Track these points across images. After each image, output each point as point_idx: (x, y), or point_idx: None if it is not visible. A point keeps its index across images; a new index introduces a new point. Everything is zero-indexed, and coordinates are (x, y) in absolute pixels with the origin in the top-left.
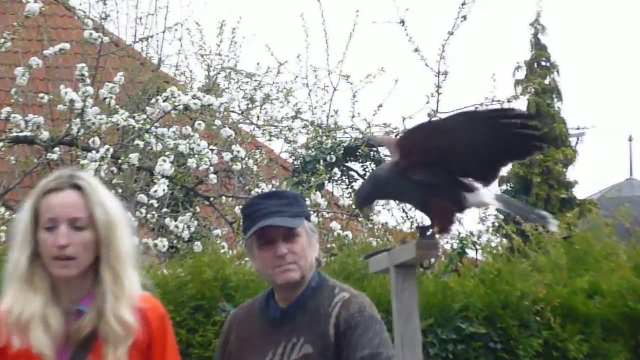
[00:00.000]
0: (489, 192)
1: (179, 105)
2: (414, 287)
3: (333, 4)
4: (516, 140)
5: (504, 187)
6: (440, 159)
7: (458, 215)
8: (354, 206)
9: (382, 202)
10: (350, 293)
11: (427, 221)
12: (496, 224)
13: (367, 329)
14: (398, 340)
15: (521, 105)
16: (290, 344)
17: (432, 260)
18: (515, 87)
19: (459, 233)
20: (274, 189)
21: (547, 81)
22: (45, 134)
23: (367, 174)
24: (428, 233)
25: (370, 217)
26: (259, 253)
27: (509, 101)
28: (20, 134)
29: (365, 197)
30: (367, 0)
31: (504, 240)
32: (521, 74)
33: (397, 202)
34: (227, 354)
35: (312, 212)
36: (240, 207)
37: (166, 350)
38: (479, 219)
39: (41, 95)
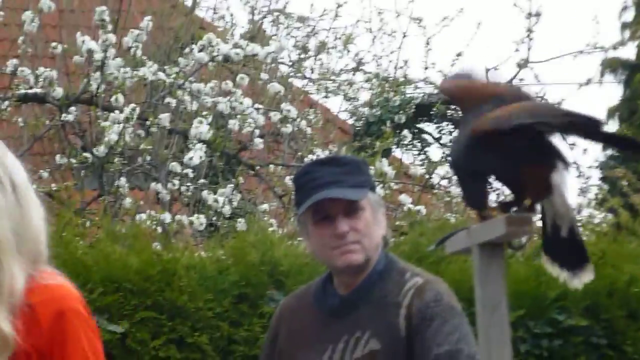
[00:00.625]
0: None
1: (218, 55)
2: (502, 271)
3: None
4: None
5: (608, 152)
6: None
7: (554, 184)
8: (427, 176)
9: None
10: (424, 278)
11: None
12: (600, 196)
13: (444, 322)
14: (483, 335)
15: (629, 52)
16: (353, 338)
17: (524, 239)
18: (621, 31)
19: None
20: (331, 155)
21: None
22: (59, 91)
23: (443, 137)
24: (515, 208)
25: (489, 211)
26: (315, 231)
27: (614, 48)
28: (29, 91)
29: (477, 197)
30: None
31: (609, 216)
32: (629, 16)
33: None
34: (277, 351)
35: (377, 183)
36: (292, 177)
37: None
38: (579, 190)
39: (54, 44)
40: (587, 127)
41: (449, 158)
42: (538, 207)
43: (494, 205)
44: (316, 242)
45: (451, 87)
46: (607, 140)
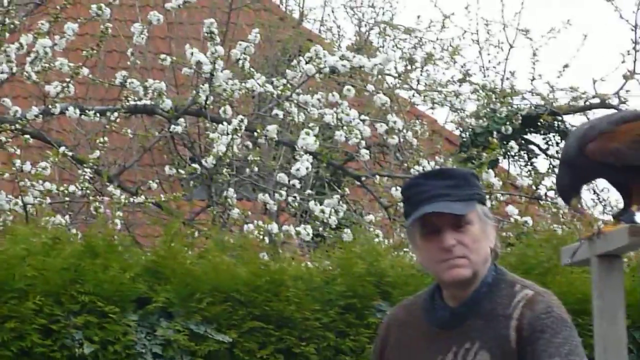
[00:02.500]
0: None
1: (325, 67)
2: (620, 281)
3: None
4: None
5: None
6: None
7: None
8: (534, 187)
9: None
10: (534, 290)
11: (621, 204)
12: None
13: (555, 334)
14: (600, 344)
15: None
16: (462, 349)
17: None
18: None
19: None
20: (439, 167)
21: None
22: (168, 103)
23: (550, 148)
24: (628, 214)
25: (579, 208)
26: (423, 244)
27: None
28: (138, 103)
29: (569, 186)
30: None
31: None
32: None
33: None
34: None
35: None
36: (398, 188)
37: None
38: None
39: (163, 57)
40: None
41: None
42: None
43: (611, 219)
44: (424, 254)
45: None
46: None
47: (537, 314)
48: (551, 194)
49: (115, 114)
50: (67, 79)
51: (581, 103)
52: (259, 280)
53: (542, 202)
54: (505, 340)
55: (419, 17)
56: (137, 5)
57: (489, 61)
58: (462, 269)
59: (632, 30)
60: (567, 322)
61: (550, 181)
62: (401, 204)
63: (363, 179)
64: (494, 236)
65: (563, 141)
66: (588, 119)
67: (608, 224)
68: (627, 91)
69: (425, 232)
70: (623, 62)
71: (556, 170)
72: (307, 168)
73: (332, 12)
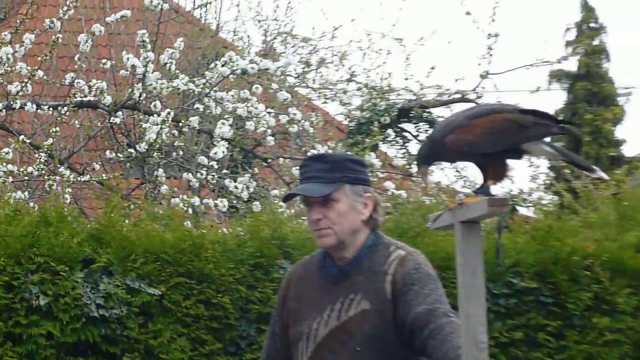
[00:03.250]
0: (546, 145)
1: (237, 69)
2: (479, 242)
3: None
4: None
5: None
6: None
7: (511, 170)
8: (407, 166)
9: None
10: (406, 251)
11: (479, 180)
12: (547, 181)
13: (423, 286)
14: (462, 293)
15: (571, 65)
16: (347, 300)
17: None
18: (565, 48)
19: (511, 190)
20: (323, 152)
21: (595, 42)
22: (108, 99)
23: (420, 135)
24: (488, 190)
25: (426, 177)
26: (305, 214)
27: (559, 62)
28: (84, 99)
29: (424, 157)
30: None
31: (555, 198)
32: (571, 35)
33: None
34: (286, 309)
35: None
36: (298, 168)
37: None
38: (530, 176)
39: (104, 61)
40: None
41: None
42: (497, 187)
43: (468, 192)
44: (308, 222)
45: None
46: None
47: (408, 270)
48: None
49: (65, 108)
50: (26, 80)
51: (445, 98)
52: (183, 244)
53: (413, 179)
54: (382, 291)
55: (313, 28)
56: (83, 19)
57: (371, 64)
58: (326, 238)
59: (487, 38)
60: (432, 277)
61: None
62: None
63: (269, 160)
64: (368, 209)
65: (431, 129)
66: (451, 111)
67: (469, 197)
68: (482, 88)
69: (304, 206)
70: (479, 64)
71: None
72: (223, 152)
73: (243, 24)
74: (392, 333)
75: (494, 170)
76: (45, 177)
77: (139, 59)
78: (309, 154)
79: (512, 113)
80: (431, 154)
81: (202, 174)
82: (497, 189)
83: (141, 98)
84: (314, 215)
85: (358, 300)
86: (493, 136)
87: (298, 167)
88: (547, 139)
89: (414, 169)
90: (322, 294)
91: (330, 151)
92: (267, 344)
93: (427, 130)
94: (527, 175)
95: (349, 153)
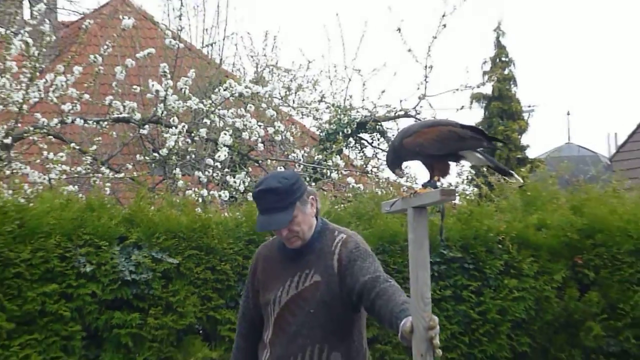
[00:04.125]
0: (478, 154)
1: (235, 93)
2: (426, 223)
3: (349, 14)
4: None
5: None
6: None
7: (452, 169)
8: (364, 165)
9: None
10: (347, 234)
11: (426, 175)
12: (469, 177)
13: (364, 260)
14: (412, 262)
15: (488, 89)
16: (303, 274)
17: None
18: (482, 76)
19: (442, 184)
20: (269, 186)
21: (506, 72)
22: (138, 115)
23: (374, 142)
24: (436, 184)
25: (402, 176)
26: (274, 232)
27: (478, 87)
28: (119, 115)
29: (391, 163)
30: (378, 9)
31: (475, 189)
32: (487, 67)
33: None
34: (256, 280)
35: (333, 171)
36: (282, 167)
37: None
38: (456, 173)
39: (134, 87)
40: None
41: (391, 151)
42: (442, 181)
43: (419, 185)
44: (277, 235)
45: None
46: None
47: (350, 249)
48: (374, 170)
49: (105, 122)
50: (75, 101)
51: (392, 114)
52: (195, 225)
53: (369, 175)
54: (330, 267)
55: (293, 62)
56: (119, 55)
57: (336, 89)
58: (295, 242)
59: (424, 69)
60: (369, 253)
61: (373, 162)
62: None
63: (260, 161)
64: (314, 206)
65: (382, 138)
66: (397, 124)
67: (421, 189)
68: (420, 107)
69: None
70: (418, 89)
71: (378, 156)
72: (224, 155)
73: (240, 59)
74: (338, 299)
75: (439, 168)
76: (90, 175)
77: (161, 85)
78: (290, 156)
79: (454, 127)
80: (394, 158)
81: (209, 172)
82: (440, 183)
83: (163, 115)
84: (284, 233)
85: (311, 274)
86: (438, 142)
87: (281, 167)
88: (479, 149)
89: (369, 168)
90: (283, 269)
91: (275, 184)
92: (243, 304)
93: (379, 139)
94: (454, 172)
95: (285, 177)
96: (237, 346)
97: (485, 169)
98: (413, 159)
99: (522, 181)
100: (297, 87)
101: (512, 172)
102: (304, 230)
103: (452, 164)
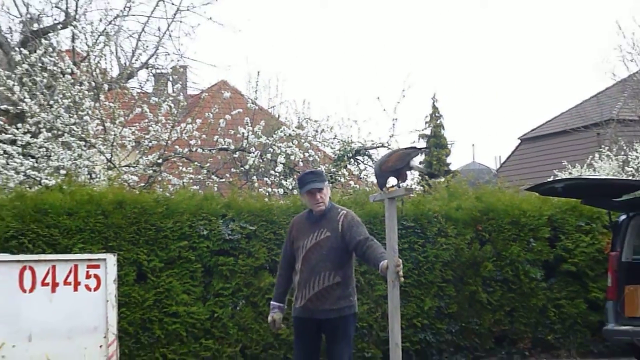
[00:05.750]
0: (420, 164)
1: (286, 134)
2: (395, 207)
3: (351, 89)
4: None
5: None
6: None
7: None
8: (359, 174)
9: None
10: (346, 211)
11: (393, 180)
12: (418, 180)
13: (359, 226)
14: (388, 232)
15: (427, 131)
16: (320, 231)
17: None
18: (425, 123)
19: (404, 185)
20: (314, 169)
21: (438, 122)
22: (232, 147)
23: (365, 161)
24: (400, 185)
25: (389, 189)
26: (307, 197)
27: (422, 129)
28: (222, 147)
29: (381, 185)
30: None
31: (421, 187)
32: (427, 118)
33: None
34: (292, 235)
35: (341, 177)
36: (300, 174)
37: None
38: (410, 179)
39: (230, 130)
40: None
41: (376, 168)
42: (402, 184)
43: (390, 186)
44: (306, 200)
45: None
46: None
47: (349, 219)
48: (365, 177)
49: (214, 150)
50: (197, 139)
51: (374, 145)
52: (264, 207)
53: (361, 179)
54: (336, 229)
55: (306, 120)
56: (221, 112)
57: (342, 131)
58: (320, 206)
59: (392, 120)
60: (360, 222)
61: (364, 173)
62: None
63: (300, 172)
64: (329, 193)
65: (369, 158)
66: (377, 152)
67: (392, 188)
68: (390, 141)
69: (308, 193)
70: (390, 129)
71: (367, 169)
72: (281, 169)
73: (288, 114)
74: (340, 246)
75: (401, 177)
76: (205, 180)
77: (245, 129)
78: (313, 168)
79: (403, 150)
80: (380, 180)
81: (272, 179)
82: (402, 185)
83: (246, 146)
84: (317, 196)
85: (325, 231)
86: (399, 160)
87: (299, 176)
88: (420, 160)
89: (362, 175)
90: (308, 229)
91: (317, 169)
92: (283, 250)
93: (367, 159)
94: (409, 180)
95: (321, 169)
96: (280, 273)
97: (426, 176)
98: (389, 175)
99: (446, 182)
100: (321, 130)
101: (440, 176)
102: (325, 201)
103: (408, 173)
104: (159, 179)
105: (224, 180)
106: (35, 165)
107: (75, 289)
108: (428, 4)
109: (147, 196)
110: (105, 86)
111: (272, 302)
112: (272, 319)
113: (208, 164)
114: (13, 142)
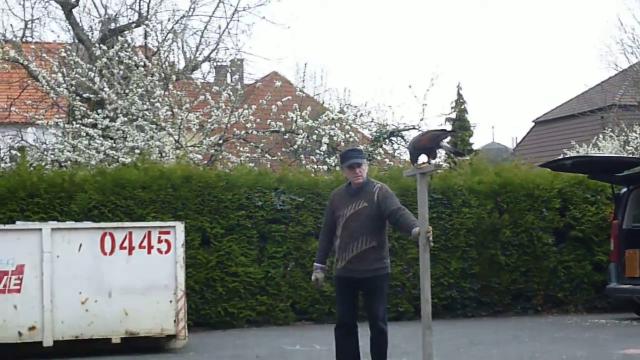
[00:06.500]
0: (448, 144)
1: (330, 118)
2: (425, 181)
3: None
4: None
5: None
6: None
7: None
8: (393, 153)
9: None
10: (381, 184)
11: (424, 158)
12: (445, 158)
13: (392, 197)
14: (420, 204)
15: (452, 115)
16: (358, 202)
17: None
18: (450, 108)
19: (434, 162)
20: (356, 147)
21: (462, 106)
22: (283, 129)
23: (398, 141)
24: (430, 162)
25: (421, 166)
26: (347, 171)
27: (449, 113)
28: (274, 129)
29: (414, 160)
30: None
31: (447, 164)
32: (453, 103)
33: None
34: (333, 205)
35: (378, 155)
36: (344, 151)
37: None
38: (439, 157)
39: (281, 115)
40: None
41: (409, 147)
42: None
43: (421, 163)
44: (348, 174)
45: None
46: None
47: (383, 192)
48: (398, 155)
49: (267, 132)
50: (252, 122)
51: (406, 128)
52: (311, 182)
53: (395, 157)
54: (372, 200)
55: (348, 105)
56: (274, 99)
57: (379, 115)
58: (359, 179)
59: (422, 106)
60: (394, 194)
61: (398, 152)
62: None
63: (342, 151)
64: (367, 168)
65: (402, 139)
66: (409, 133)
67: (424, 164)
68: (420, 124)
69: (349, 167)
70: (420, 113)
71: (400, 149)
72: (325, 148)
73: (331, 100)
74: (375, 215)
75: (432, 155)
76: (260, 158)
77: (293, 114)
78: (359, 147)
79: (433, 131)
80: (412, 156)
81: (317, 156)
82: (433, 162)
83: (294, 128)
84: (357, 170)
85: (362, 202)
86: (430, 141)
87: (342, 152)
88: (448, 140)
89: (396, 154)
90: (347, 200)
91: (359, 146)
92: (325, 218)
93: (400, 140)
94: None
95: (361, 148)
96: (321, 238)
97: (452, 154)
98: (421, 153)
99: (470, 160)
100: (360, 114)
101: (465, 154)
102: (363, 175)
103: (437, 152)
104: (220, 157)
105: (275, 158)
106: (114, 145)
107: (149, 252)
108: (450, 4)
109: (210, 172)
110: (173, 77)
111: (315, 264)
112: (315, 278)
113: (262, 144)
114: (94, 126)
